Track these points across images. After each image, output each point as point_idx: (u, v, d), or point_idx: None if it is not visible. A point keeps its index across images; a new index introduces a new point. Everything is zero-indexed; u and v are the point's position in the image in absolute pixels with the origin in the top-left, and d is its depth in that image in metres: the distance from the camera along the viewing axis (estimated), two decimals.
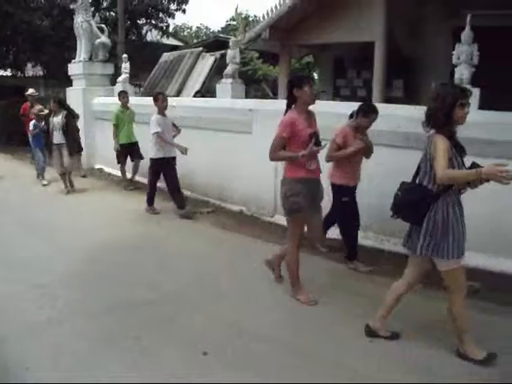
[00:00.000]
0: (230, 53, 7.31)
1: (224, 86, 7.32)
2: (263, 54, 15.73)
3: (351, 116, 4.62)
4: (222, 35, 20.16)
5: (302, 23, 11.47)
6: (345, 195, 4.57)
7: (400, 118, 5.11)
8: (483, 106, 5.19)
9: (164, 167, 6.31)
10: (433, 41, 10.43)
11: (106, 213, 6.67)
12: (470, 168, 2.96)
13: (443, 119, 2.99)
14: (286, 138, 3.72)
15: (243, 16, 25.51)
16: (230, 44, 7.38)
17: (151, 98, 6.50)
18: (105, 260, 4.86)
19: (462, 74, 5.35)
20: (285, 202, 3.83)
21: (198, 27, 38.72)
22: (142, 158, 7.85)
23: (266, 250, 4.74)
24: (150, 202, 6.60)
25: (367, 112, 4.48)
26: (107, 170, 9.46)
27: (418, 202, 3.05)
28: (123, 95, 8.04)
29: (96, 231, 5.74)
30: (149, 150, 6.39)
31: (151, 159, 6.37)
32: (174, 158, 6.36)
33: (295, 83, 3.78)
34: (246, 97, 14.07)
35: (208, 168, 7.07)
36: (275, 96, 13.79)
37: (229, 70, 7.29)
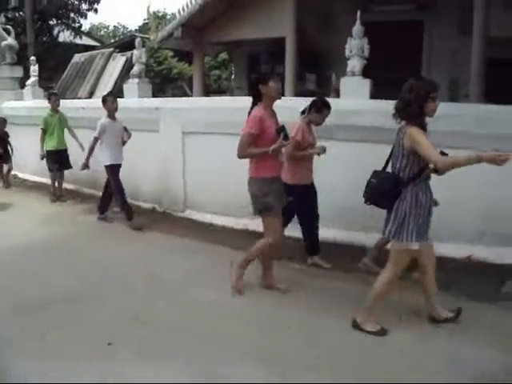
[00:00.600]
0: (136, 53, 7.27)
1: (131, 86, 7.28)
2: (178, 52, 15.71)
3: (303, 112, 4.56)
4: (138, 34, 19.89)
5: (214, 21, 11.59)
6: (303, 193, 4.50)
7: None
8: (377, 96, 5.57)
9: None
10: (343, 35, 10.90)
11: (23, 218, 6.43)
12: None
13: (417, 111, 3.12)
14: (254, 135, 3.68)
15: (160, 14, 25.24)
16: (136, 44, 7.34)
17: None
18: (14, 262, 4.73)
19: (354, 66, 5.67)
20: (256, 202, 3.84)
21: (115, 26, 37.92)
22: (69, 167, 7.29)
23: (178, 245, 4.79)
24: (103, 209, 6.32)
25: (320, 108, 4.47)
26: (22, 176, 9.05)
27: (391, 189, 3.21)
28: (54, 98, 7.33)
29: (11, 236, 5.51)
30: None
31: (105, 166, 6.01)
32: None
33: (261, 79, 3.78)
34: (163, 95, 13.99)
35: None
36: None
37: (135, 70, 7.25)
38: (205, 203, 6.19)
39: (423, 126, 3.18)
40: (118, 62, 12.09)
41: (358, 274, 4.36)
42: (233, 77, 14.84)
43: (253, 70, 12.69)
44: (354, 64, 5.69)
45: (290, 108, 4.85)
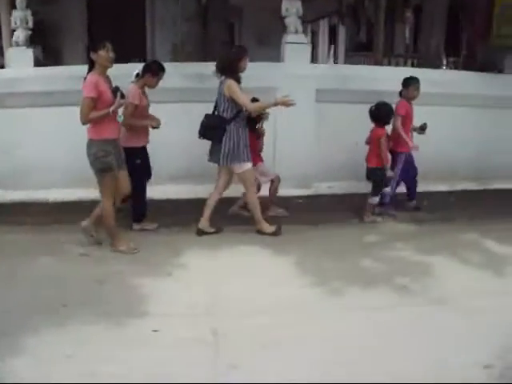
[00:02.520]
0: None
1: None
2: None
3: (137, 75, 4.54)
4: None
5: None
6: (137, 157, 4.56)
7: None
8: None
9: None
10: (67, 6, 11.06)
11: None
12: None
13: (235, 68, 4.27)
14: (94, 99, 3.85)
15: None
16: None
17: None
18: None
19: (18, 36, 5.99)
20: (96, 162, 3.98)
21: None
22: None
23: None
24: None
25: (156, 71, 4.52)
26: None
27: (219, 125, 4.33)
28: None
29: None
30: None
31: None
32: None
33: (91, 48, 3.97)
34: None
35: None
36: None
37: None
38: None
39: (238, 80, 4.32)
40: None
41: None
42: None
43: None
44: (19, 34, 6.00)
45: None
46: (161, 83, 4.63)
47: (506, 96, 6.30)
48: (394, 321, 3.15)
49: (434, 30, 7.51)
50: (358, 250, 4.38)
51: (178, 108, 5.59)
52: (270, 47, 10.35)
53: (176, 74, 5.26)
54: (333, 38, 16.60)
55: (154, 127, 4.57)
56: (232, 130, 4.35)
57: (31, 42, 6.10)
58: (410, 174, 5.35)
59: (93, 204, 4.45)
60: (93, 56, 3.94)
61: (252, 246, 4.43)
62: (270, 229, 4.64)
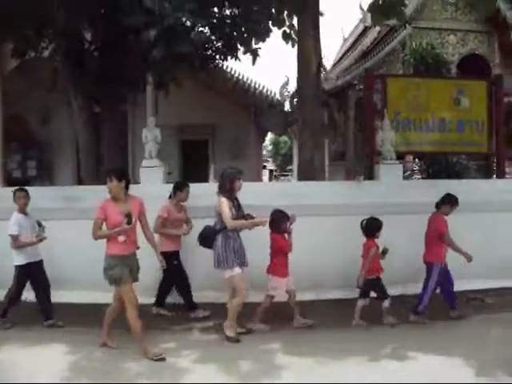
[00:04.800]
0: None
1: None
2: None
3: (170, 196, 5.58)
4: None
5: None
6: (174, 259, 5.44)
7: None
8: None
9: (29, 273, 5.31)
10: (60, 126, 11.69)
11: None
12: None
13: (228, 187, 4.76)
14: (102, 219, 4.39)
15: None
16: None
17: None
18: None
19: None
20: (104, 274, 4.44)
21: None
22: None
23: None
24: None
25: (181, 187, 5.58)
26: None
27: (209, 235, 4.84)
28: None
29: None
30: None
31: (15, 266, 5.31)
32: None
33: (106, 176, 4.42)
34: None
35: None
36: None
37: None
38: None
39: (230, 198, 4.81)
40: None
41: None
42: None
43: None
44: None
45: None
46: None
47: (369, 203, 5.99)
48: None
49: None
50: None
51: None
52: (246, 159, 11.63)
53: None
54: None
55: (184, 234, 5.57)
56: (221, 239, 4.80)
57: None
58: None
59: None
60: (108, 184, 4.40)
61: None
62: (233, 333, 4.80)
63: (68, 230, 5.75)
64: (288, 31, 7.32)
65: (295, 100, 11.30)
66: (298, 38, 6.87)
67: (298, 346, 4.53)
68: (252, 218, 4.86)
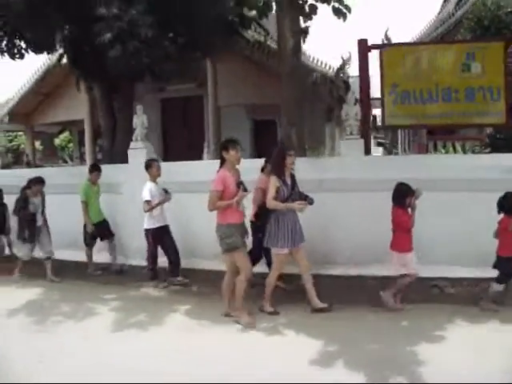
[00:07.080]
0: None
1: None
2: None
3: (262, 169, 5.41)
4: None
5: (36, 108, 13.53)
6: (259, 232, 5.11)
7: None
8: None
9: (160, 237, 5.93)
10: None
11: None
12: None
13: (278, 164, 4.61)
14: (220, 191, 4.43)
15: None
16: None
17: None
18: None
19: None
20: (221, 243, 4.54)
21: None
22: (113, 234, 6.81)
23: None
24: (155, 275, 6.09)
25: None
26: None
27: (264, 213, 4.73)
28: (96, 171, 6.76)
29: None
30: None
31: (145, 230, 5.93)
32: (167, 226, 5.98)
33: (223, 147, 4.59)
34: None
35: None
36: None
37: None
38: None
39: (279, 175, 4.58)
40: None
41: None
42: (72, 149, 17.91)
43: (83, 143, 14.63)
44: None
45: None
46: None
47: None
48: None
49: None
50: None
51: None
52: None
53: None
54: None
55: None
56: (273, 217, 4.65)
57: None
58: None
59: None
60: (226, 155, 4.53)
61: None
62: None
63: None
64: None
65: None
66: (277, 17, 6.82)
67: None
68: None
